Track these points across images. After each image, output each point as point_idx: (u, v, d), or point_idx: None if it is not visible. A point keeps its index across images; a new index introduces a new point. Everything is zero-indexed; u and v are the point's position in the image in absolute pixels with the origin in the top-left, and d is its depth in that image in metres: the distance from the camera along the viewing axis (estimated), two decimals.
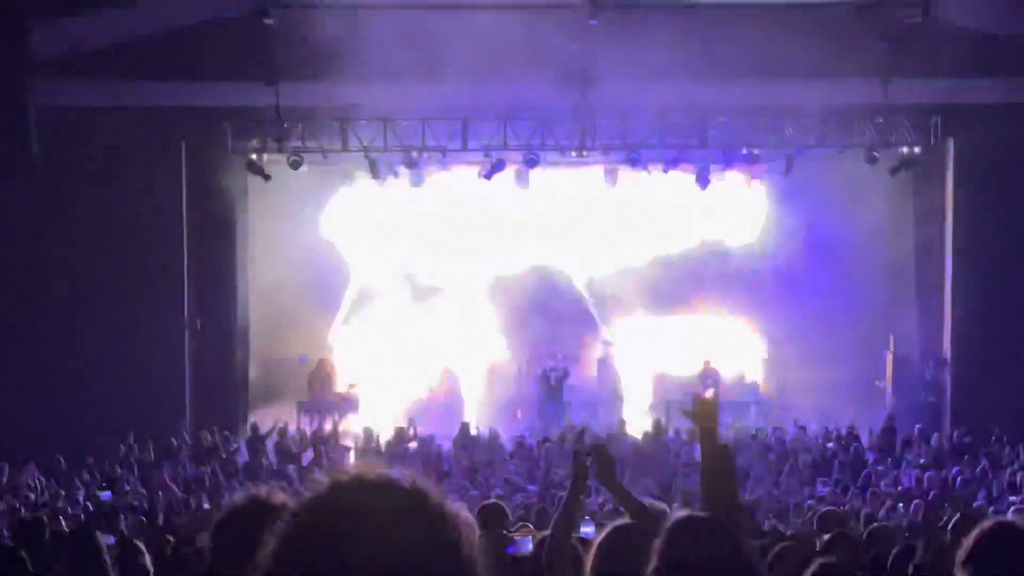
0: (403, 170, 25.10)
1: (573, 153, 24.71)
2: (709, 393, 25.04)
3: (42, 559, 8.43)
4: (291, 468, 20.98)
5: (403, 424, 24.04)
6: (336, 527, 2.42)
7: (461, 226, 26.89)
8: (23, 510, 14.97)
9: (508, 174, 25.23)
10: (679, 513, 4.76)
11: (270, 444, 23.21)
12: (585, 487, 6.54)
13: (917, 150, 24.38)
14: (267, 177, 24.91)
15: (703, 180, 26.13)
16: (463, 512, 2.49)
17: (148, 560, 8.45)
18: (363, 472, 2.46)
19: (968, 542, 5.12)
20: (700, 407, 5.69)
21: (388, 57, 22.00)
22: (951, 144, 24.40)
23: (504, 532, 8.91)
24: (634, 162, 25.09)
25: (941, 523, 11.36)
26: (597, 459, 6.22)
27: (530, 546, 7.80)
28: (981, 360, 24.46)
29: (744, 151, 24.67)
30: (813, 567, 6.43)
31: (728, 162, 25.70)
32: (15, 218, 21.87)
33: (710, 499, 5.22)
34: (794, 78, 23.13)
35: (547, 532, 7.60)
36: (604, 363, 27.12)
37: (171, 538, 10.64)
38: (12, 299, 23.42)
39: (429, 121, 23.99)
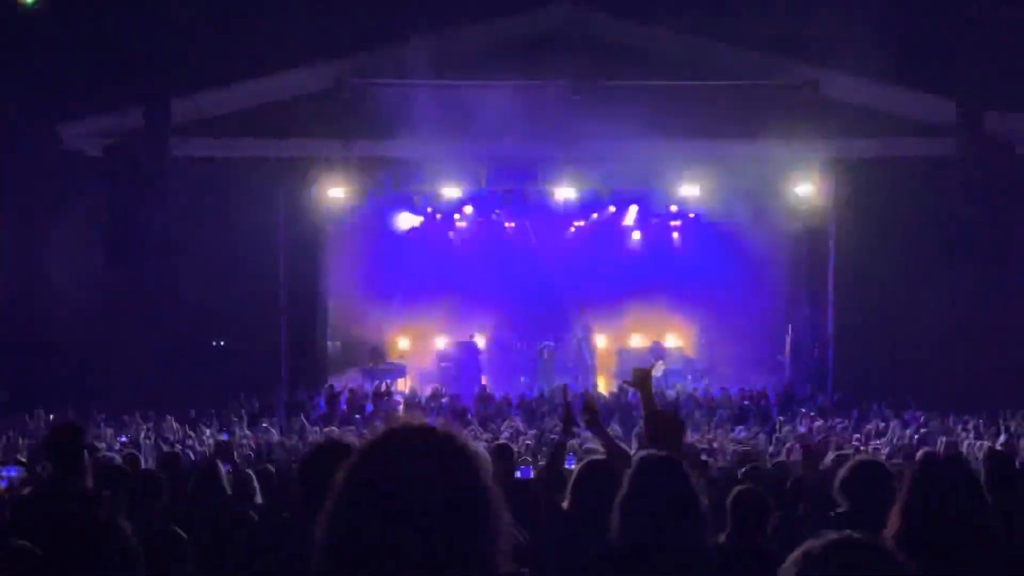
0: (440, 202, 25.05)
1: (559, 191, 24.65)
2: (659, 366, 25.13)
3: (179, 481, 8.46)
4: (357, 417, 20.94)
5: (437, 386, 24.08)
6: (391, 458, 2.49)
7: (479, 243, 26.86)
8: (164, 447, 14.96)
9: (515, 206, 25.23)
10: (641, 452, 4.78)
11: (342, 400, 23.20)
12: (571, 431, 6.57)
13: (810, 186, 24.30)
14: (342, 209, 24.85)
15: (652, 214, 26.40)
16: (480, 449, 2.55)
17: (256, 483, 8.49)
18: (410, 420, 2.54)
19: (842, 473, 5.14)
20: (636, 375, 5.78)
21: (428, 119, 21.99)
22: (832, 186, 24.32)
23: (512, 463, 8.98)
24: (606, 199, 25.32)
25: (824, 460, 11.37)
26: (586, 408, 6.30)
27: (531, 473, 7.87)
28: (854, 341, 24.44)
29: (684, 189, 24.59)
30: (734, 492, 6.42)
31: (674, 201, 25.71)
32: (158, 238, 21.82)
33: (653, 439, 5.24)
34: (725, 137, 23.10)
35: (542, 463, 7.61)
36: (582, 342, 27.10)
37: (271, 467, 10.67)
38: (158, 298, 23.47)
39: (458, 166, 23.94)
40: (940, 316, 23.69)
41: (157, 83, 22.36)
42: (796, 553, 2.47)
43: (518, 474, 9.25)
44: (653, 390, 6.10)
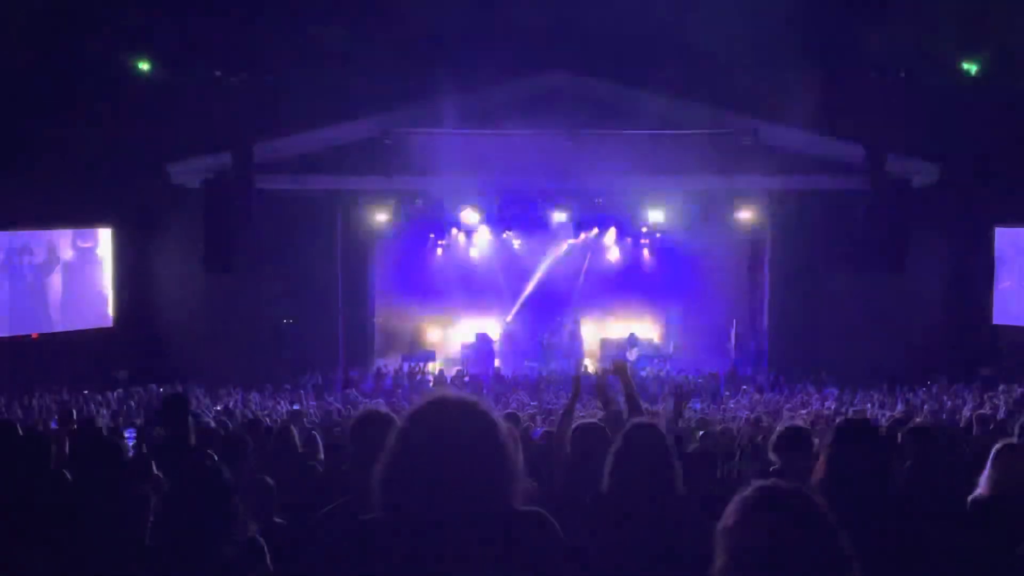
0: (463, 224, 25.12)
1: (555, 216, 24.74)
2: (632, 352, 25.13)
3: (260, 441, 8.48)
4: (399, 392, 20.97)
5: (460, 368, 24.09)
6: (431, 423, 2.52)
7: (493, 256, 26.83)
8: (249, 415, 14.98)
9: (522, 228, 25.27)
10: (635, 420, 4.77)
11: (387, 378, 23.22)
12: (576, 399, 6.56)
13: (751, 212, 24.32)
14: (385, 229, 24.90)
15: (627, 234, 26.49)
16: (498, 415, 2.59)
17: (320, 443, 8.51)
18: (442, 394, 2.57)
19: (774, 436, 5.13)
20: (615, 365, 5.83)
21: (453, 160, 22.04)
22: (768, 213, 24.36)
23: (519, 427, 8.95)
24: (597, 223, 25.43)
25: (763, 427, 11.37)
26: (617, 369, 6.29)
27: (539, 433, 7.84)
28: (785, 332, 24.45)
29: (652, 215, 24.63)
30: (690, 449, 6.46)
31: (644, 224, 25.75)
32: (244, 253, 21.89)
33: (631, 410, 5.26)
34: (685, 174, 23.14)
35: (551, 429, 7.60)
36: (574, 334, 27.05)
37: (330, 430, 10.69)
38: (244, 299, 23.67)
39: (476, 196, 24.00)
40: (851, 312, 23.73)
41: (243, 132, 22.42)
42: (736, 497, 2.49)
43: (534, 434, 9.26)
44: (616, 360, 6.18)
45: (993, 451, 4.60)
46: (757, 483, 2.54)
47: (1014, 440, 4.77)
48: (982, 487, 4.51)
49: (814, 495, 2.50)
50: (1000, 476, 4.43)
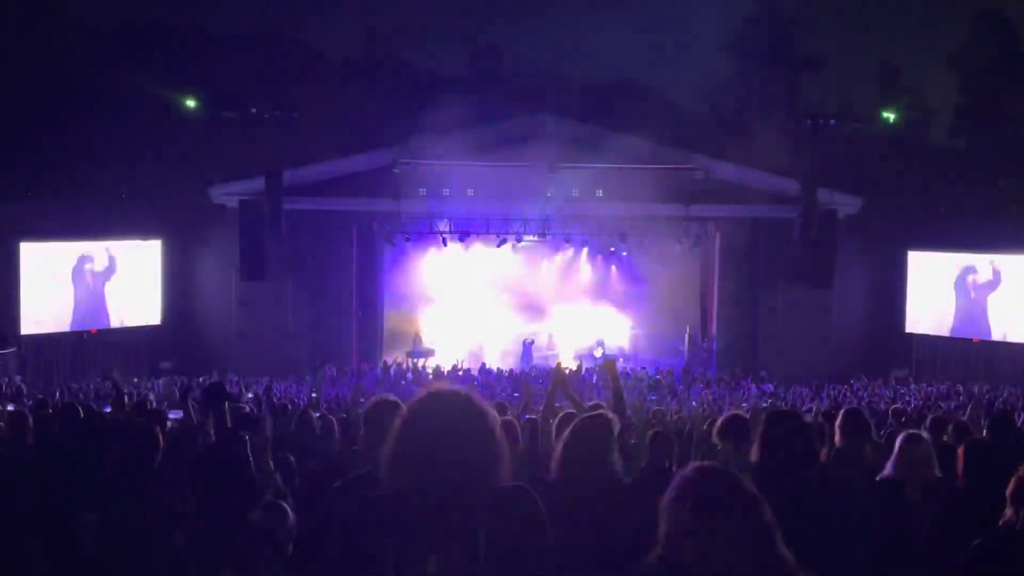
0: (459, 241, 25.06)
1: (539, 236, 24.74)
2: (598, 351, 25.09)
3: (285, 423, 8.46)
4: (402, 383, 20.91)
5: (456, 364, 24.00)
6: (430, 412, 2.52)
7: (483, 274, 26.75)
8: (275, 401, 14.94)
9: (510, 245, 25.20)
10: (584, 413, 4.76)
11: (392, 370, 23.17)
12: (557, 391, 6.49)
13: (703, 235, 24.40)
14: (392, 244, 24.88)
15: (598, 253, 26.51)
16: (487, 405, 2.59)
17: (335, 426, 8.48)
18: (440, 387, 2.58)
19: (718, 424, 5.14)
20: (606, 364, 5.78)
21: (452, 187, 22.12)
22: (717, 237, 24.40)
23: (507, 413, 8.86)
24: (572, 242, 25.41)
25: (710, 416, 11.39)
26: (607, 366, 6.04)
27: (525, 419, 7.74)
28: (730, 337, 24.57)
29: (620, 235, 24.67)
30: (650, 434, 6.45)
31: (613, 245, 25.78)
32: (273, 262, 21.87)
33: (616, 405, 5.27)
34: (648, 202, 23.18)
35: (532, 415, 7.54)
36: (551, 335, 27.03)
37: (344, 415, 10.66)
38: (272, 302, 23.63)
39: (471, 218, 24.02)
40: (786, 321, 23.83)
41: (274, 160, 22.42)
42: (676, 476, 2.54)
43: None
44: (592, 367, 6.14)
45: (899, 439, 4.63)
46: (694, 464, 2.59)
47: (917, 431, 4.79)
48: (888, 469, 4.55)
49: (739, 474, 2.56)
50: (902, 460, 4.47)
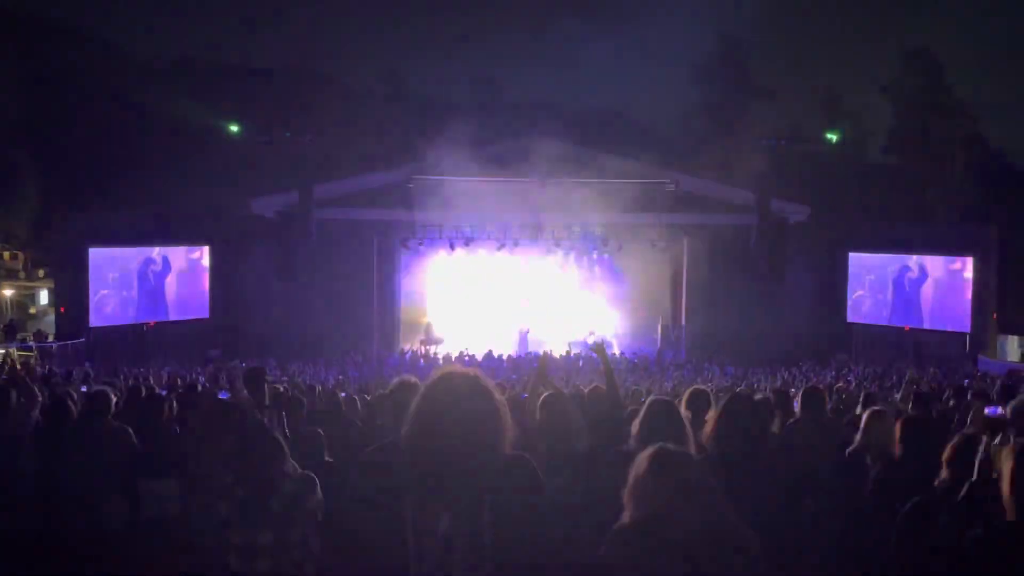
0: (464, 246, 24.95)
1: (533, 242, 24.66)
2: (591, 338, 25.04)
3: (314, 402, 8.43)
4: (417, 368, 20.87)
5: (462, 350, 23.93)
6: (444, 390, 2.50)
7: (485, 273, 26.66)
8: (306, 382, 14.90)
9: (507, 248, 25.09)
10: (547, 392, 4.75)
11: (407, 356, 23.12)
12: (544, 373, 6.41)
13: (674, 240, 24.36)
14: (407, 249, 24.81)
15: (584, 257, 26.42)
16: (493, 384, 2.58)
17: (359, 404, 8.46)
18: (451, 368, 2.57)
19: (685, 396, 5.10)
20: (595, 348, 5.76)
21: (460, 199, 22.02)
22: (685, 241, 24.37)
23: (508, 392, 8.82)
24: (559, 248, 25.33)
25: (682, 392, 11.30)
26: (597, 349, 5.97)
27: (524, 397, 7.67)
28: (697, 326, 24.48)
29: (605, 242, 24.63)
30: (627, 411, 6.42)
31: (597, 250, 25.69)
32: (306, 265, 21.82)
33: (608, 387, 5.26)
34: (627, 212, 23.14)
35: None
36: (543, 327, 26.85)
37: (367, 397, 10.64)
38: (305, 299, 23.45)
39: (475, 226, 23.92)
40: (745, 312, 23.73)
41: (306, 177, 22.41)
42: (640, 454, 2.64)
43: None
44: (581, 352, 6.10)
45: (865, 416, 4.61)
46: (656, 445, 2.66)
47: (881, 408, 4.78)
48: (856, 443, 4.52)
49: (687, 452, 2.65)
50: (868, 433, 4.46)
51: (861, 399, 7.63)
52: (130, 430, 5.76)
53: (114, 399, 6.08)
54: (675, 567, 2.44)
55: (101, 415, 5.74)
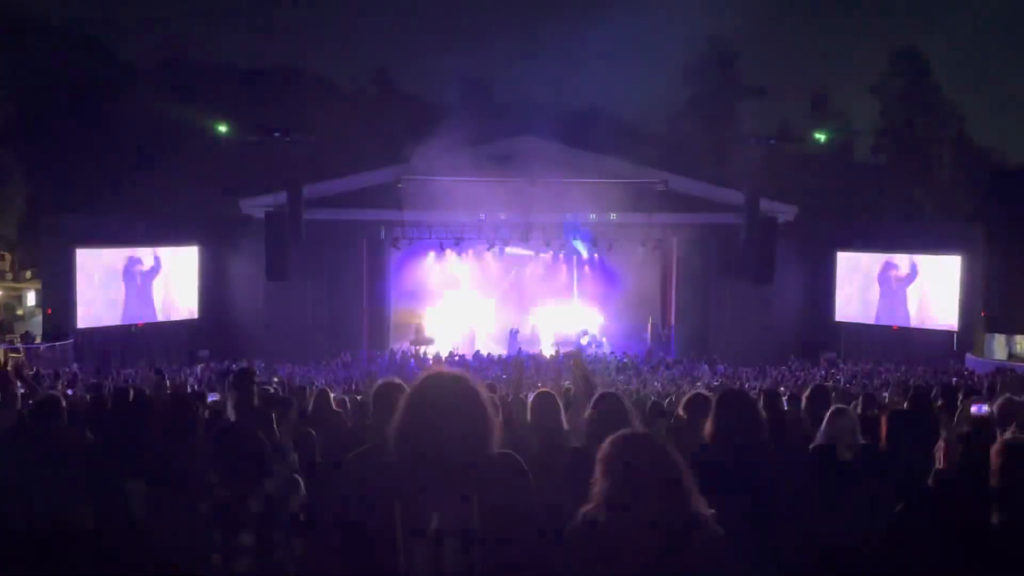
0: (453, 245, 24.96)
1: (521, 242, 24.71)
2: (584, 338, 25.08)
3: (304, 403, 8.40)
4: (407, 368, 20.86)
5: (452, 350, 23.94)
6: (430, 390, 2.50)
7: (475, 273, 26.72)
8: (296, 383, 14.87)
9: (497, 248, 25.09)
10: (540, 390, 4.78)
11: (397, 356, 23.09)
12: (522, 375, 6.44)
13: (663, 240, 24.40)
14: (397, 249, 24.78)
15: (573, 256, 26.46)
16: (478, 385, 2.58)
17: (347, 402, 8.44)
18: (438, 369, 2.56)
19: (684, 400, 5.14)
20: (570, 354, 5.77)
21: (448, 199, 22.00)
22: (675, 240, 24.42)
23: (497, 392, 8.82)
24: (547, 247, 25.36)
25: (674, 391, 11.37)
26: (571, 355, 6.10)
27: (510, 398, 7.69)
28: (686, 326, 24.54)
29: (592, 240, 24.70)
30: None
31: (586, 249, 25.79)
32: (295, 265, 21.72)
33: (575, 385, 5.26)
34: (617, 212, 23.25)
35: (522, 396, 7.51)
36: (535, 326, 26.92)
37: (358, 397, 10.61)
38: (294, 300, 23.38)
39: (463, 226, 23.89)
40: (734, 311, 23.88)
41: (295, 177, 22.30)
42: (608, 438, 2.68)
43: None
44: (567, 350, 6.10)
45: (828, 413, 4.69)
46: (622, 431, 2.72)
47: (843, 406, 4.85)
48: (819, 438, 4.60)
49: (661, 441, 2.70)
50: (829, 430, 4.53)
51: (861, 400, 7.73)
52: (87, 431, 5.74)
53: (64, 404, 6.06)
54: (624, 560, 2.45)
55: (56, 418, 5.70)
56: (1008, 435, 3.62)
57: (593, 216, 23.51)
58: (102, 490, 5.24)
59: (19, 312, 30.85)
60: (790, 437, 5.35)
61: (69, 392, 11.16)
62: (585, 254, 26.76)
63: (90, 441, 5.69)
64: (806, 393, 6.16)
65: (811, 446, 4.62)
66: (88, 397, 6.09)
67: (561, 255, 26.78)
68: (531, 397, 5.58)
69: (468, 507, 2.45)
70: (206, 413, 6.87)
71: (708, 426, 4.05)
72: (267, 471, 3.85)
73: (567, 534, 2.55)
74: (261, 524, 3.71)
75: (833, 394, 10.63)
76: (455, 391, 2.53)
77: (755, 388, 14.10)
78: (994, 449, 2.75)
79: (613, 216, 23.48)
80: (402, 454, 2.51)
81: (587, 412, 4.15)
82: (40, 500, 5.06)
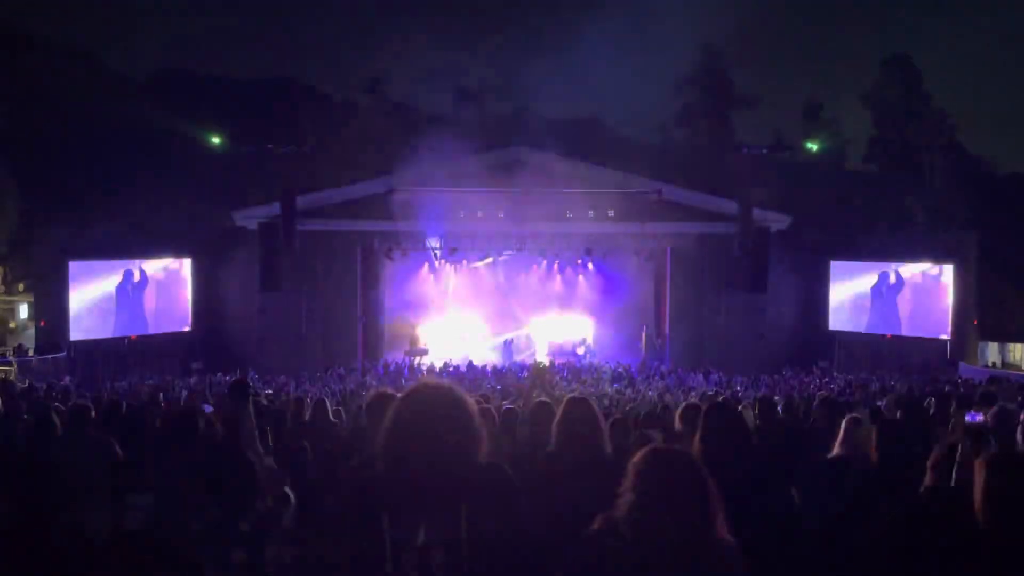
0: (446, 256, 24.97)
1: (516, 251, 24.70)
2: (581, 348, 25.01)
3: (299, 414, 8.40)
4: (401, 378, 20.80)
5: (447, 361, 23.85)
6: (417, 401, 2.51)
7: (469, 284, 26.69)
8: (294, 395, 14.82)
9: (491, 259, 25.09)
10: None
11: (392, 367, 23.04)
12: (535, 386, 6.47)
13: (657, 250, 24.44)
14: (391, 259, 24.77)
15: (568, 265, 26.47)
16: (467, 396, 2.58)
17: (344, 413, 8.45)
18: (429, 380, 2.57)
19: (679, 410, 5.13)
20: (535, 366, 5.77)
21: (440, 210, 22.03)
22: (668, 249, 24.41)
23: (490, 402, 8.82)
24: (545, 256, 25.35)
25: (665, 402, 11.37)
26: (536, 372, 6.09)
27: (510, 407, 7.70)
28: (681, 336, 24.52)
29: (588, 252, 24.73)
30: (611, 419, 6.43)
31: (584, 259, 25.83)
32: (288, 276, 21.71)
33: (542, 395, 5.24)
34: (610, 221, 23.30)
35: (511, 405, 7.50)
36: (529, 336, 26.89)
37: (353, 407, 10.61)
38: (288, 310, 23.29)
39: (456, 236, 23.90)
40: (728, 321, 23.88)
41: (288, 188, 22.34)
42: (640, 451, 2.62)
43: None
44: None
45: (843, 423, 4.64)
46: (653, 444, 2.69)
47: (858, 415, 4.84)
48: (836, 448, 4.54)
49: (685, 451, 2.68)
50: (847, 439, 4.49)
51: (868, 413, 7.74)
52: (113, 441, 5.74)
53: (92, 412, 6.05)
54: (639, 573, 2.44)
55: (83, 426, 5.70)
56: (989, 452, 3.64)
57: (587, 226, 23.54)
58: (119, 500, 5.24)
59: (12, 325, 30.77)
60: (798, 445, 5.36)
61: (56, 406, 11.10)
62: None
63: (116, 451, 5.70)
64: (815, 403, 6.18)
65: (828, 456, 4.57)
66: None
67: (555, 265, 26.80)
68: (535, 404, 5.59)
69: (455, 517, 2.45)
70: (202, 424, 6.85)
71: (695, 443, 4.03)
72: (258, 490, 3.85)
73: (585, 538, 2.54)
74: (251, 542, 3.71)
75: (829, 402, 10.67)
76: (441, 401, 2.54)
77: (748, 398, 14.11)
78: (977, 463, 2.77)
79: (607, 225, 23.52)
80: (389, 464, 2.52)
81: (557, 416, 4.12)
82: (65, 507, 5.05)
